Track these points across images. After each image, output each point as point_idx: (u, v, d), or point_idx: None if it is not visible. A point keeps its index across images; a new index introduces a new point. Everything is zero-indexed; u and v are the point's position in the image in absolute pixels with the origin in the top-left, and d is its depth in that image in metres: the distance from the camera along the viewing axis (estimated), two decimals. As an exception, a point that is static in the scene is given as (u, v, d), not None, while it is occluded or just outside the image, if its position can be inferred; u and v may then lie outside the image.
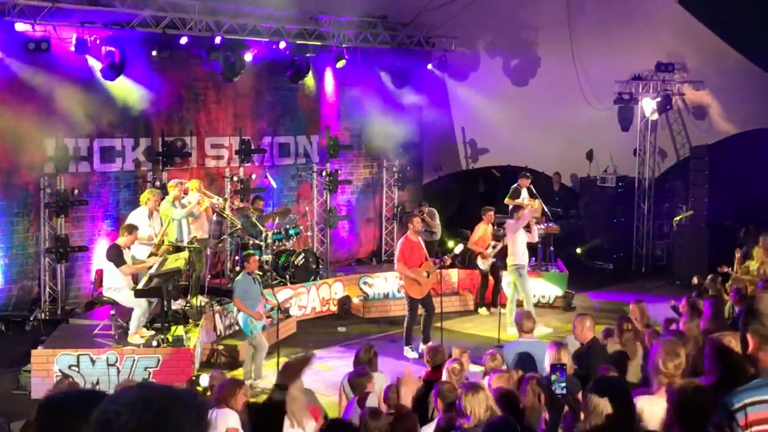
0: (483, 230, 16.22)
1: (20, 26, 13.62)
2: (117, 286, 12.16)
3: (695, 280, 14.08)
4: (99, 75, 14.64)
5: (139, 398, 2.29)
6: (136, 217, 13.55)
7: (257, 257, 13.31)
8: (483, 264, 16.18)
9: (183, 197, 14.30)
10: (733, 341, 5.26)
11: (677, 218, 19.21)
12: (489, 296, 16.57)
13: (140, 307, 12.10)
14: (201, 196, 14.31)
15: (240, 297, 12.39)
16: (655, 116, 19.52)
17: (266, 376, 12.33)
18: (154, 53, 15.21)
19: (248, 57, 16.67)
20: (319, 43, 17.84)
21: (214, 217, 15.90)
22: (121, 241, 12.29)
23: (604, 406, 4.69)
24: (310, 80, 18.26)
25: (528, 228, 15.18)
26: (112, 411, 2.27)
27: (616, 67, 18.98)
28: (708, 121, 19.31)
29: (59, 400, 2.88)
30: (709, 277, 12.95)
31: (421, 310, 13.74)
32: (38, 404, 2.93)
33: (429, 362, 8.88)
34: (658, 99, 19.09)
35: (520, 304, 14.67)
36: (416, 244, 13.82)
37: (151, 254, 12.95)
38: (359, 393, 7.96)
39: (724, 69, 18.07)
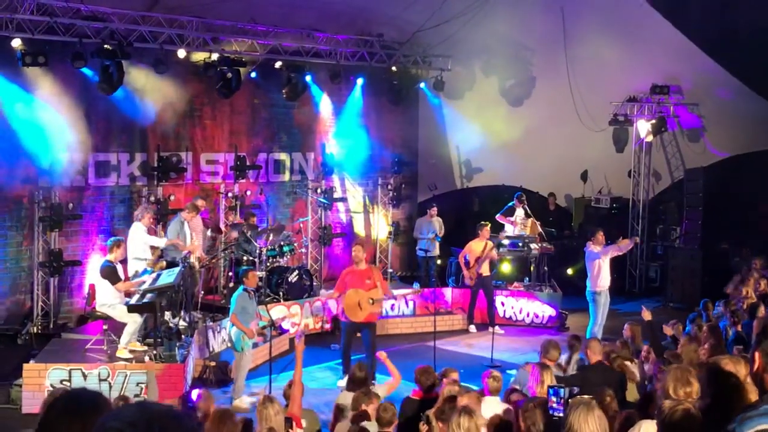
0: (476, 246, 16.11)
1: (17, 42, 13.62)
2: (110, 302, 12.17)
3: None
4: (95, 89, 14.63)
5: (141, 417, 2.32)
6: (134, 233, 13.48)
7: (256, 273, 13.28)
8: (470, 281, 16.15)
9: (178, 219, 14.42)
10: (729, 364, 5.26)
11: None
12: (478, 314, 16.58)
13: (134, 323, 12.08)
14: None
15: (237, 312, 12.30)
16: (650, 138, 19.54)
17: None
18: (151, 68, 15.23)
19: (246, 73, 16.71)
20: (315, 61, 17.89)
21: (209, 233, 15.93)
22: (111, 256, 12.28)
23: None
24: (306, 97, 18.26)
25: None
26: (113, 428, 2.29)
27: (612, 89, 19.01)
28: (702, 143, 19.35)
29: (66, 398, 2.90)
30: (703, 301, 12.92)
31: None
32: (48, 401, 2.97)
33: (420, 383, 8.83)
34: (653, 121, 19.13)
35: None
36: (359, 271, 13.07)
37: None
38: (354, 410, 7.97)
39: (719, 92, 18.12)
